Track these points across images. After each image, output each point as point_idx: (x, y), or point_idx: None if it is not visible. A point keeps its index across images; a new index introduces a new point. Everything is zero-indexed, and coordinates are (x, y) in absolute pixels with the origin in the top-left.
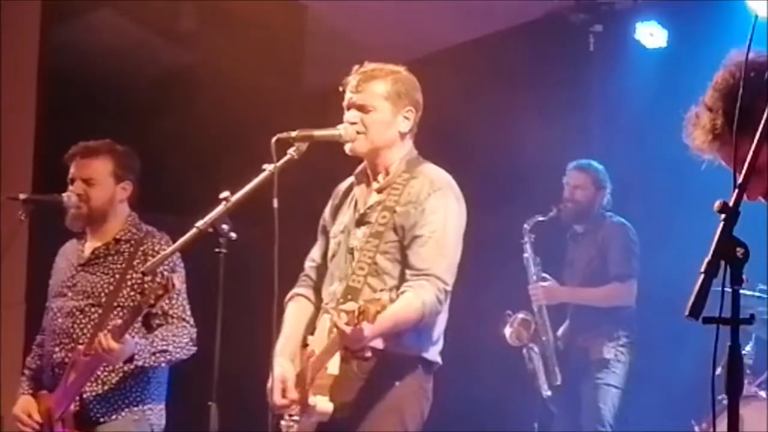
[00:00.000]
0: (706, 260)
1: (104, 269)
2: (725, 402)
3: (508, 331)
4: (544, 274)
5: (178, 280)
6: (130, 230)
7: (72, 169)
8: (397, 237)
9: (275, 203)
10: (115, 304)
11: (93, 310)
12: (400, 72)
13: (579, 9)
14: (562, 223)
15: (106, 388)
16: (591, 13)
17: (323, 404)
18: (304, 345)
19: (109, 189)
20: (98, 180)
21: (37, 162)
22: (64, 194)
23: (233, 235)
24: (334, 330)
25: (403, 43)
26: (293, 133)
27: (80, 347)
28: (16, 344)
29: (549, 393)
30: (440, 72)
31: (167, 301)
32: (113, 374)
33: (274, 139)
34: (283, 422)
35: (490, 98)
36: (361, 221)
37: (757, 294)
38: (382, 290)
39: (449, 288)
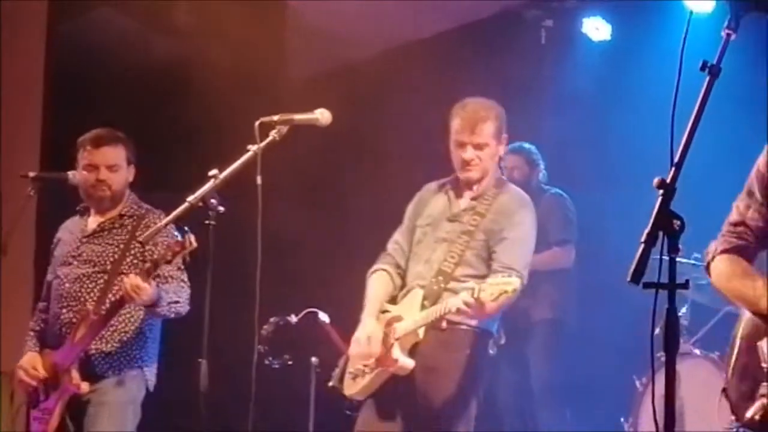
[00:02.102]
0: (646, 231)
1: (109, 240)
2: (663, 359)
3: None
4: None
5: (191, 239)
6: (132, 207)
7: (89, 156)
8: (485, 237)
9: (259, 180)
10: (119, 270)
11: (99, 276)
12: (496, 107)
13: (531, 6)
14: None
15: (109, 347)
16: (542, 9)
17: (405, 360)
18: (384, 311)
19: (125, 173)
20: (120, 165)
21: (44, 144)
22: (68, 172)
23: (221, 208)
24: (425, 302)
25: (372, 37)
26: (275, 117)
27: (89, 307)
28: (25, 305)
29: (493, 351)
30: (407, 63)
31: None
32: (116, 334)
33: (257, 123)
34: (352, 369)
35: (453, 87)
36: (452, 219)
37: (692, 262)
38: (466, 276)
39: (525, 282)
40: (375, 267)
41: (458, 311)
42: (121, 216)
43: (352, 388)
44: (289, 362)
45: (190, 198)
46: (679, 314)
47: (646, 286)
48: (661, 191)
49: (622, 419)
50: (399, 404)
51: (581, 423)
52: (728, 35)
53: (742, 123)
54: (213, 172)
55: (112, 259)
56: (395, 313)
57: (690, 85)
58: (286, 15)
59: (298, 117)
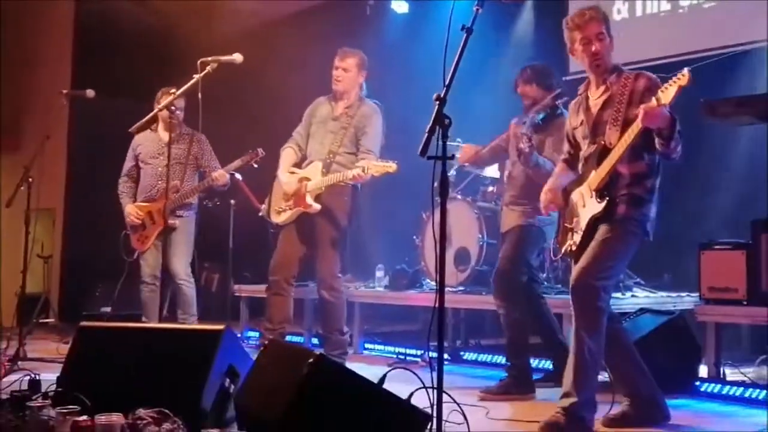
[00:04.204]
0: (428, 126)
1: (180, 146)
2: (439, 201)
3: None
4: None
5: (261, 150)
6: (186, 128)
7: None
8: (354, 131)
9: (199, 96)
10: (187, 163)
11: (177, 165)
12: (360, 54)
13: None
14: None
15: (188, 200)
16: None
17: (315, 205)
18: (292, 172)
19: (182, 112)
20: (183, 108)
21: (73, 69)
22: (87, 90)
23: (178, 111)
24: (323, 170)
25: (265, 8)
26: (209, 58)
27: (175, 183)
28: (60, 173)
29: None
30: (291, 28)
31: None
32: (192, 194)
33: (198, 61)
34: (276, 206)
35: (317, 39)
36: (334, 119)
37: (456, 144)
38: (345, 152)
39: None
40: (285, 146)
41: (353, 177)
42: (181, 133)
43: (277, 218)
44: (218, 203)
45: (160, 105)
46: (449, 175)
47: (429, 158)
48: (437, 102)
49: (414, 237)
50: (307, 229)
51: (391, 239)
52: (477, 9)
53: (489, 59)
54: (172, 90)
55: (182, 157)
56: (303, 175)
57: (458, 40)
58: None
59: (223, 58)
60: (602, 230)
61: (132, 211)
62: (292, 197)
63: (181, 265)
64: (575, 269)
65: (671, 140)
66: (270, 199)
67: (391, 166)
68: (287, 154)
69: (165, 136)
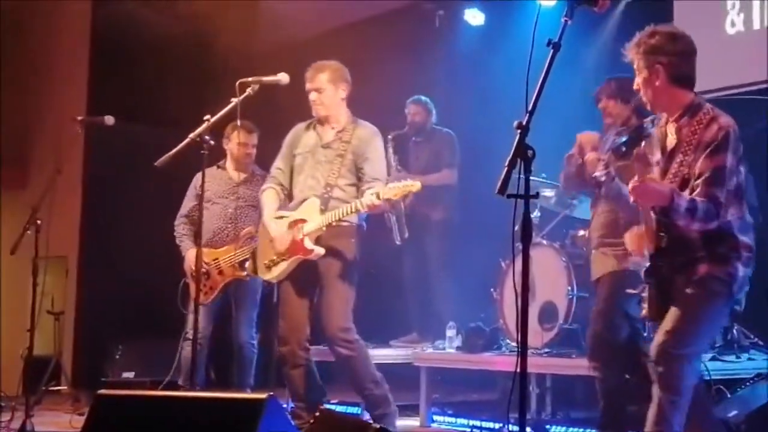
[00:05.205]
0: (509, 158)
1: (252, 187)
2: (520, 247)
3: None
4: (399, 167)
5: None
6: (258, 169)
7: (243, 138)
8: (353, 158)
9: (238, 123)
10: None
11: (250, 208)
12: (333, 64)
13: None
14: (408, 136)
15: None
16: (435, 2)
17: (318, 249)
18: (279, 217)
19: (255, 150)
20: (255, 146)
21: (89, 95)
22: (105, 117)
23: (212, 142)
24: (322, 207)
25: (316, 19)
26: (249, 79)
27: (250, 228)
28: (75, 206)
29: (399, 242)
30: (344, 41)
31: None
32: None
33: (237, 83)
34: (266, 260)
35: (376, 54)
36: (325, 146)
37: (540, 179)
38: (345, 184)
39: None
40: (264, 186)
41: (368, 207)
42: (253, 173)
43: (268, 275)
44: None
45: (192, 135)
46: (532, 216)
47: (509, 196)
48: (518, 131)
49: (492, 289)
50: (309, 278)
51: (464, 291)
52: (566, 21)
53: (573, 79)
54: (206, 117)
55: (255, 200)
56: (298, 217)
57: (540, 57)
58: (258, 8)
59: (266, 78)
60: (681, 291)
61: (193, 256)
62: (287, 245)
63: (247, 325)
64: (655, 339)
65: (676, 216)
66: (255, 252)
67: (414, 185)
68: (269, 196)
69: (236, 175)
